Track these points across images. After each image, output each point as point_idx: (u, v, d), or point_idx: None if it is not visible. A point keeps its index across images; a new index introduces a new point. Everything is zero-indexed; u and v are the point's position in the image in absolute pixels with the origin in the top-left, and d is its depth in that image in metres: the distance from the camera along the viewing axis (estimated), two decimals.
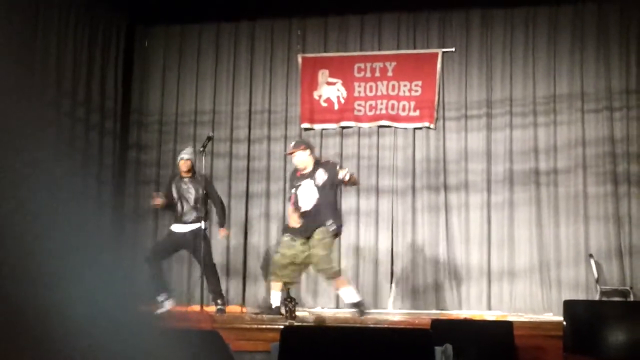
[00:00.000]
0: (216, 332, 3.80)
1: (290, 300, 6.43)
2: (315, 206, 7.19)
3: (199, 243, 7.83)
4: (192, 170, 8.17)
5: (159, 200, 8.20)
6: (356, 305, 7.39)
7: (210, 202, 8.29)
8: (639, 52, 9.30)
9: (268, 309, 7.37)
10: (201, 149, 8.04)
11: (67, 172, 0.95)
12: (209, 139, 8.25)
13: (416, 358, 3.70)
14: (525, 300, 9.11)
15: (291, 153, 7.51)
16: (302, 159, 7.36)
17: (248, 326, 6.61)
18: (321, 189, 7.23)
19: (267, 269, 8.91)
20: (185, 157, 8.19)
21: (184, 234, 8.03)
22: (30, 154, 0.95)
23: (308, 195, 7.26)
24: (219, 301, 7.96)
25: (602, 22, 9.42)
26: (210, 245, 8.17)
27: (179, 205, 8.09)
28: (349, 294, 7.43)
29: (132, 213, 9.96)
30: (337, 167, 7.34)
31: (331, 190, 7.30)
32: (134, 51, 10.41)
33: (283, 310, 6.60)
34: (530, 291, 9.15)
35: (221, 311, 7.82)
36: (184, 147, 9.79)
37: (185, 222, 8.02)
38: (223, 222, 8.31)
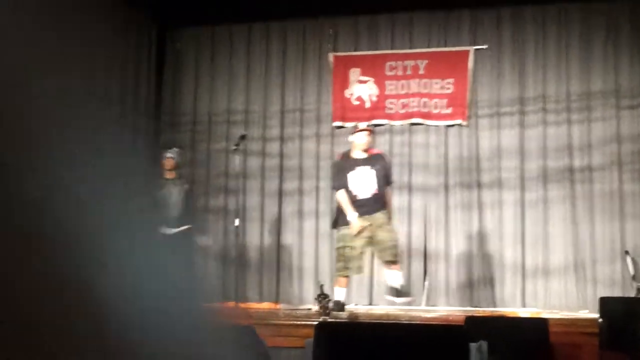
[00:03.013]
0: (252, 327, 3.84)
1: (323, 297, 6.46)
2: (374, 195, 7.22)
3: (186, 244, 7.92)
4: (175, 171, 8.26)
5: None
6: (399, 291, 7.36)
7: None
8: None
9: (335, 305, 7.30)
10: (234, 147, 8.10)
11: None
12: (243, 137, 8.32)
13: (451, 355, 3.71)
14: (560, 298, 9.05)
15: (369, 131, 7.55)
16: (368, 140, 7.42)
17: (283, 322, 6.66)
18: (379, 179, 7.29)
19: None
20: (169, 155, 8.25)
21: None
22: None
23: (365, 182, 7.28)
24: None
25: (635, 18, 9.33)
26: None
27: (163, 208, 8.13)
28: (398, 278, 7.40)
29: None
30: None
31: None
32: (165, 54, 10.52)
33: (317, 307, 6.63)
34: (565, 288, 9.09)
35: None
36: (218, 147, 9.94)
37: (169, 227, 7.94)
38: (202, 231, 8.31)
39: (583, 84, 9.43)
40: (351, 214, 7.13)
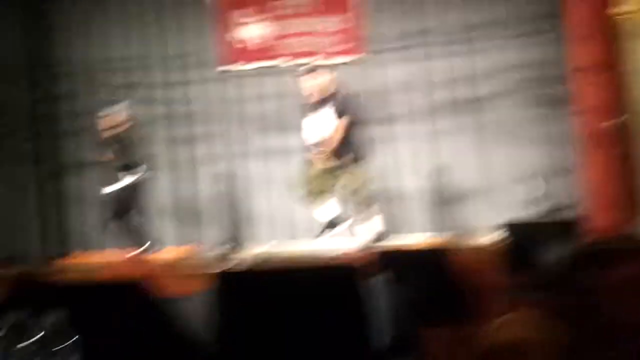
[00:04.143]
0: (139, 282, 3.55)
1: (231, 242, 6.24)
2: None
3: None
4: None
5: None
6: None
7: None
8: None
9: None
10: (112, 98, 7.85)
11: None
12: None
13: (346, 294, 3.53)
14: (476, 223, 8.99)
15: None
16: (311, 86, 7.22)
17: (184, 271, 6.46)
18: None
19: None
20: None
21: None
22: None
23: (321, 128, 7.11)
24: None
25: None
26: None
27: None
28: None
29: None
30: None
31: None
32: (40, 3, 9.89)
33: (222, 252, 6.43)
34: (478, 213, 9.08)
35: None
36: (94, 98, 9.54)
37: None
38: None
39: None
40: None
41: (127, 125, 8.17)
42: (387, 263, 5.39)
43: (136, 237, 8.06)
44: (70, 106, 9.87)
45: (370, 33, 9.50)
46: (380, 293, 4.17)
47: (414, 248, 7.11)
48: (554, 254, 5.54)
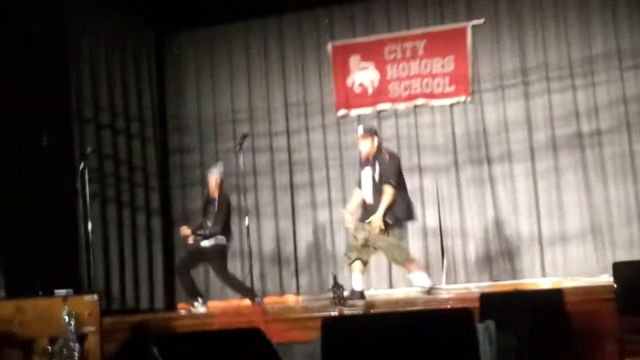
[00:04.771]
0: (257, 328, 3.86)
1: (337, 287, 6.47)
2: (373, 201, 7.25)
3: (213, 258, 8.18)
4: (219, 187, 8.29)
5: (186, 231, 8.29)
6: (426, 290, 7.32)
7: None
8: None
9: (351, 293, 7.25)
10: (238, 148, 8.14)
11: None
12: (244, 136, 8.35)
13: (459, 337, 3.69)
14: (580, 265, 9.02)
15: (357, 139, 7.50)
16: (366, 148, 7.36)
17: (300, 316, 6.69)
18: (375, 185, 7.26)
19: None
20: (214, 174, 8.33)
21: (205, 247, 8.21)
22: None
23: (367, 185, 7.32)
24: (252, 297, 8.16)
25: None
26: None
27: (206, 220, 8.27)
28: (421, 278, 7.40)
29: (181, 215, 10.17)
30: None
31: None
32: (165, 59, 10.56)
33: (332, 297, 6.64)
34: (584, 255, 9.06)
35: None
36: (225, 147, 9.98)
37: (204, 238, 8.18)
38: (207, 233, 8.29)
39: (584, 48, 9.35)
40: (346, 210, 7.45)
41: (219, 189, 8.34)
42: (496, 306, 5.55)
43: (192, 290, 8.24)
44: (198, 157, 10.45)
45: (476, 74, 9.68)
46: (491, 336, 4.35)
47: (522, 290, 7.11)
48: None
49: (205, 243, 8.13)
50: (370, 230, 7.14)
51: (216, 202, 8.16)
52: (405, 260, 7.37)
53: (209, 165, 9.74)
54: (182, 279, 8.22)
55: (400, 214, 7.30)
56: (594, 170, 9.20)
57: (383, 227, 7.10)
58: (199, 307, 7.99)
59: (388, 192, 7.17)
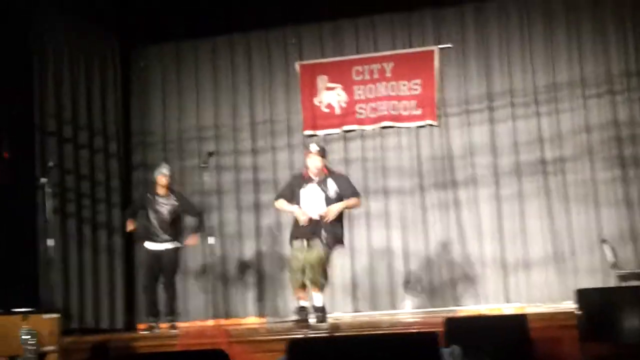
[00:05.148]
0: (221, 350, 3.79)
1: (302, 309, 6.42)
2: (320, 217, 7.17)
3: (170, 261, 8.19)
4: (168, 187, 8.32)
5: (132, 226, 8.31)
6: (320, 310, 7.22)
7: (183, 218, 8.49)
8: (636, 33, 9.26)
9: (300, 314, 7.24)
10: (202, 165, 8.09)
11: None
12: (210, 154, 8.30)
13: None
14: (543, 291, 9.08)
15: (309, 154, 7.42)
16: (318, 165, 7.33)
17: (264, 338, 6.62)
18: (329, 200, 7.21)
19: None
20: (165, 172, 8.27)
21: (160, 252, 8.19)
22: None
23: (314, 202, 7.25)
24: (172, 317, 8.21)
25: (597, 7, 9.40)
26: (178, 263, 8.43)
27: (155, 223, 8.22)
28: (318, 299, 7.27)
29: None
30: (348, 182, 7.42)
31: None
32: (131, 74, 10.45)
33: (296, 319, 6.59)
34: (546, 281, 9.12)
35: (173, 327, 8.10)
36: (190, 164, 9.88)
37: (161, 241, 8.19)
38: (201, 229, 8.48)
39: (548, 75, 9.48)
40: (294, 208, 7.27)
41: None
42: (460, 331, 5.53)
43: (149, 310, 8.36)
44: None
45: (443, 98, 9.74)
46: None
47: (487, 315, 7.13)
48: (630, 323, 5.54)
49: (163, 246, 8.14)
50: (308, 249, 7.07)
51: (174, 200, 8.22)
52: (318, 283, 7.17)
53: (173, 182, 9.68)
54: (150, 295, 8.25)
55: (339, 238, 7.30)
56: (557, 197, 9.28)
57: (333, 217, 7.07)
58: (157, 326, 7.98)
59: (354, 200, 7.25)
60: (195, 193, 9.80)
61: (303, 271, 7.13)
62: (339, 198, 7.23)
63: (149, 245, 8.25)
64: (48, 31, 9.07)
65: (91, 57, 9.66)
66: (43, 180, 7.60)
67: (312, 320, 7.11)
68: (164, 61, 10.49)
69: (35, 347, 5.64)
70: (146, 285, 8.32)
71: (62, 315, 6.15)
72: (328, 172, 7.40)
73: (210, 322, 8.04)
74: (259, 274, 9.90)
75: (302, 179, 7.43)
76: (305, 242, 7.15)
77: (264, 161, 10.12)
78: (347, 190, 7.32)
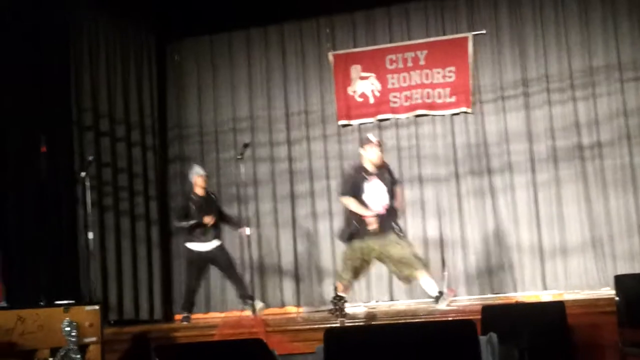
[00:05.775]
0: (260, 339, 3.85)
1: (339, 299, 6.46)
2: (386, 209, 7.21)
3: (224, 258, 8.38)
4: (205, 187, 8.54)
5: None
6: (436, 297, 7.28)
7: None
8: None
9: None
10: (239, 157, 8.16)
11: None
12: (246, 146, 8.37)
13: (462, 350, 3.69)
14: (581, 277, 9.00)
15: (369, 145, 7.44)
16: (380, 155, 7.40)
17: (300, 327, 6.67)
18: (390, 192, 7.28)
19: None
20: (202, 173, 8.47)
21: (208, 252, 8.33)
22: None
23: (379, 195, 7.29)
24: (248, 301, 8.23)
25: None
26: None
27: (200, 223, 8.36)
28: (430, 285, 7.33)
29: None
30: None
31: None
32: (166, 67, 10.55)
33: (332, 309, 6.63)
34: (585, 267, 9.03)
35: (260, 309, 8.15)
36: (226, 156, 9.97)
37: (207, 240, 8.35)
38: (240, 223, 8.68)
39: (584, 60, 9.35)
40: (366, 212, 7.19)
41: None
42: (497, 318, 5.52)
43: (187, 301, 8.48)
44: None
45: (477, 85, 9.69)
46: (493, 348, 4.32)
47: (524, 303, 7.10)
48: None
49: (211, 245, 8.24)
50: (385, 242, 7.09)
51: (212, 200, 8.39)
52: (414, 271, 7.26)
53: (210, 174, 9.74)
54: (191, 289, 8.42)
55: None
56: (594, 182, 9.18)
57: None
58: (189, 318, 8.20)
59: (401, 192, 7.26)
60: (232, 184, 9.90)
61: (355, 272, 7.23)
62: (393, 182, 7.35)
63: (194, 246, 8.36)
64: (85, 25, 9.18)
65: (127, 52, 9.77)
66: (82, 174, 7.71)
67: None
68: (199, 54, 10.57)
69: (76, 339, 5.73)
70: (189, 284, 8.45)
71: (102, 307, 6.23)
72: (384, 163, 7.44)
73: (248, 312, 8.08)
74: (295, 263, 9.95)
75: (363, 172, 7.42)
76: (374, 242, 7.18)
77: (299, 151, 10.16)
78: (394, 180, 7.43)
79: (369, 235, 7.15)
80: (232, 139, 10.29)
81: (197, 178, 8.47)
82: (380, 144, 7.43)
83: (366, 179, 7.33)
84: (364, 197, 7.29)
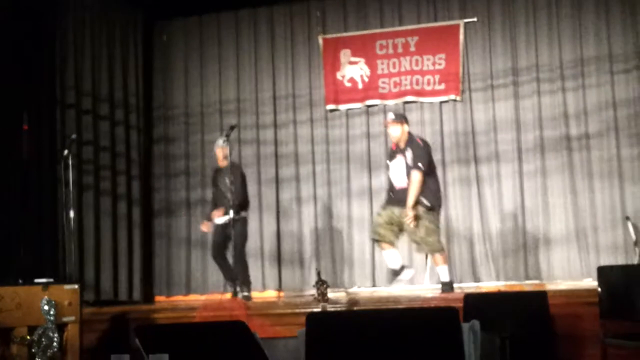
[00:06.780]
0: (242, 322, 3.79)
1: (321, 283, 6.41)
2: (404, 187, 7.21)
3: (237, 232, 7.85)
4: (226, 158, 8.18)
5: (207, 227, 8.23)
6: (447, 284, 7.29)
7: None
8: None
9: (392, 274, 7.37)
10: (225, 139, 8.04)
11: None
12: (232, 128, 8.23)
13: (444, 336, 3.65)
14: (564, 268, 8.99)
15: (387, 124, 7.44)
16: (397, 134, 7.34)
17: (281, 311, 6.63)
18: (408, 169, 7.22)
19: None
20: (220, 144, 8.16)
21: (226, 224, 8.01)
22: None
23: (399, 172, 7.29)
24: (245, 288, 7.98)
25: None
26: (245, 234, 8.16)
27: (219, 195, 8.15)
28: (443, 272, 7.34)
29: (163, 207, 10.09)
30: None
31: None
32: (153, 46, 10.43)
33: (315, 293, 6.59)
34: (568, 258, 9.02)
35: (247, 298, 7.86)
36: (211, 138, 9.88)
37: (227, 213, 7.96)
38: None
39: (575, 50, 9.31)
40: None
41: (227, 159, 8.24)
42: (479, 306, 5.51)
43: (233, 275, 8.06)
44: (184, 148, 10.33)
45: (467, 72, 9.63)
46: (476, 336, 4.30)
47: (506, 291, 7.09)
48: None
49: (226, 218, 7.96)
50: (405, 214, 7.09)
51: (229, 172, 7.95)
52: (436, 250, 7.29)
53: (194, 155, 9.67)
54: (222, 265, 8.14)
55: (433, 200, 7.28)
56: (580, 173, 9.16)
57: (414, 219, 7.08)
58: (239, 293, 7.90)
59: (416, 179, 7.13)
60: (216, 166, 9.80)
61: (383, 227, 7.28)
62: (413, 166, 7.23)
63: (217, 219, 8.12)
64: (70, 1, 9.04)
65: (113, 29, 9.65)
66: (65, 152, 7.59)
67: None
68: (187, 34, 10.47)
69: (55, 318, 5.67)
70: (215, 257, 8.19)
71: (80, 286, 6.16)
72: (411, 139, 7.36)
73: (228, 295, 8.03)
74: (278, 247, 9.89)
75: (391, 150, 7.55)
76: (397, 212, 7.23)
77: (286, 135, 10.09)
78: (415, 161, 7.24)
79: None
80: (219, 120, 10.20)
81: (216, 149, 8.27)
82: (398, 121, 7.34)
83: (392, 156, 7.43)
84: (389, 174, 7.44)
